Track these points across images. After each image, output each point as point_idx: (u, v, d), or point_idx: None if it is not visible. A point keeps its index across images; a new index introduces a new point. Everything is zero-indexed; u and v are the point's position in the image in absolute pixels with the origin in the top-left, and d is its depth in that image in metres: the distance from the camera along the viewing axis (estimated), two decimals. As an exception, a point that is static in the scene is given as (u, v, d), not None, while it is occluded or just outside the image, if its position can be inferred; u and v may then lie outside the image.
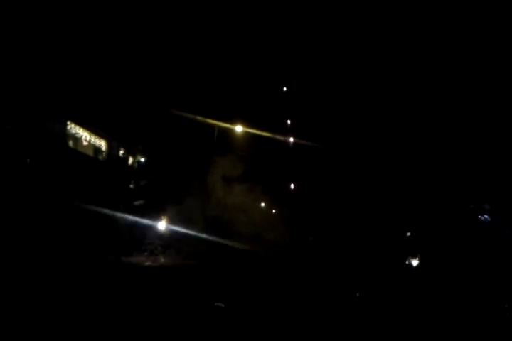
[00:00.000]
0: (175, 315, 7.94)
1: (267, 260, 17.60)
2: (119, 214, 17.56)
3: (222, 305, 8.62)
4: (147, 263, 16.14)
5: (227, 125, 21.97)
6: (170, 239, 18.31)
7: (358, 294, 11.38)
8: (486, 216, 17.78)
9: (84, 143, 18.51)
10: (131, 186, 21.00)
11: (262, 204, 26.89)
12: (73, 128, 17.51)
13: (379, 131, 27.19)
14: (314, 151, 34.78)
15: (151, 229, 18.49)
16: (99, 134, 19.37)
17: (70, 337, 6.34)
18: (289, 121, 34.72)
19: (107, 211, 16.25)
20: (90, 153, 18.93)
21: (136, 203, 19.16)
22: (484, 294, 10.61)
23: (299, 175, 34.55)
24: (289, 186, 32.55)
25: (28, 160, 14.00)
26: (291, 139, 34.43)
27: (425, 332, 7.84)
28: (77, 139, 17.91)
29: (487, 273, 13.27)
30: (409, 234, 23.41)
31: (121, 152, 21.38)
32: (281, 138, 31.42)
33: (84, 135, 18.39)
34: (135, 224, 18.02)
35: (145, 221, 18.05)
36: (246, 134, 23.03)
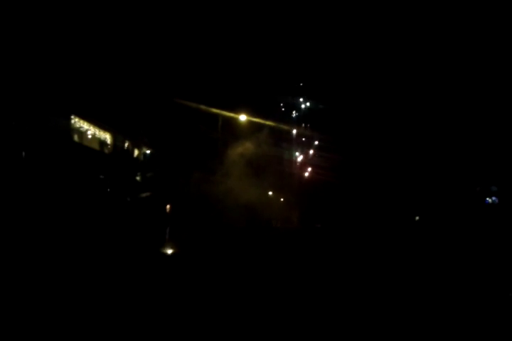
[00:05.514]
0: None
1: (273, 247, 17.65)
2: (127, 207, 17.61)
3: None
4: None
5: (232, 114, 21.92)
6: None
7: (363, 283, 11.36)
8: (494, 198, 17.68)
9: (89, 136, 18.58)
10: (138, 178, 21.07)
11: (270, 193, 26.95)
12: (77, 122, 17.57)
13: (386, 116, 27.06)
14: (322, 138, 34.83)
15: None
16: (104, 127, 19.42)
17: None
18: (295, 111, 34.76)
19: (114, 204, 16.33)
20: (96, 146, 19.01)
21: (143, 195, 19.22)
22: (493, 279, 10.57)
23: (306, 162, 34.58)
24: (297, 175, 32.57)
25: (34, 155, 14.05)
26: (298, 129, 34.47)
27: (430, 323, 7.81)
28: (81, 133, 17.97)
29: (496, 255, 13.20)
30: (417, 218, 23.40)
31: (127, 145, 21.45)
32: (286, 127, 31.43)
33: (88, 129, 18.45)
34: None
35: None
36: (252, 123, 23.00)
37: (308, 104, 35.36)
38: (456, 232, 17.58)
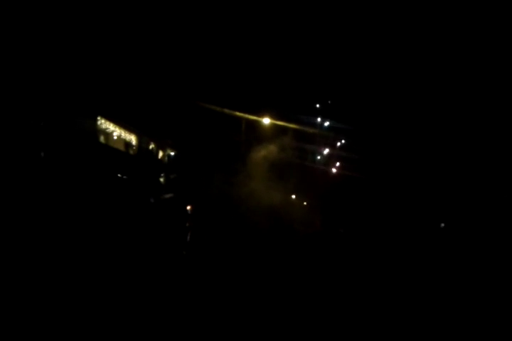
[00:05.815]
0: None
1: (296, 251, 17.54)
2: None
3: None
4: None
5: (256, 117, 21.94)
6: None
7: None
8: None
9: (115, 138, 18.94)
10: (162, 180, 21.31)
11: (293, 196, 26.83)
12: (103, 123, 17.93)
13: (416, 122, 26.74)
14: (347, 141, 34.54)
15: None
16: (129, 129, 19.76)
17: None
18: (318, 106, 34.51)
19: (137, 205, 16.50)
20: (121, 147, 19.36)
21: (167, 196, 19.40)
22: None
23: (331, 166, 34.34)
24: (321, 178, 32.33)
25: (60, 155, 14.34)
26: (323, 132, 34.27)
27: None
28: (107, 134, 18.34)
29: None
30: (443, 225, 22.96)
31: (151, 146, 21.77)
32: (311, 130, 31.30)
33: (114, 130, 18.81)
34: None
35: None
36: (276, 125, 22.97)
37: (333, 105, 35.13)
38: (482, 239, 17.20)
